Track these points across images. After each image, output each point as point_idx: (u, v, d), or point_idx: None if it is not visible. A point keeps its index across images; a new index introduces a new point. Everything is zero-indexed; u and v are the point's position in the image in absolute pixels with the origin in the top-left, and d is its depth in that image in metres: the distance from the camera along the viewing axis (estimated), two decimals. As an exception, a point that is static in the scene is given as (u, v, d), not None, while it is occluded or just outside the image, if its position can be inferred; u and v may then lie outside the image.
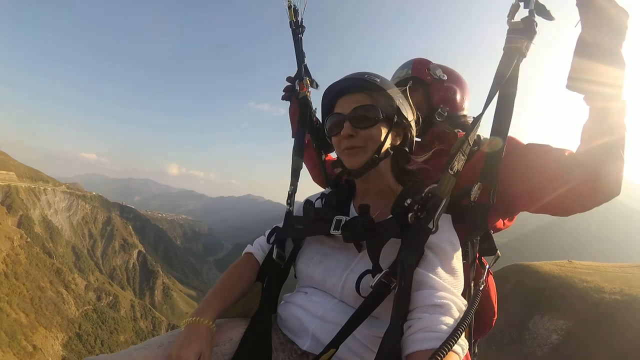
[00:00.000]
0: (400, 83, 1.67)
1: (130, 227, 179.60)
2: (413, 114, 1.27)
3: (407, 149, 1.26)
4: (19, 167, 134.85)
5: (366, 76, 1.20)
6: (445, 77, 1.69)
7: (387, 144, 1.21)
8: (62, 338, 71.49)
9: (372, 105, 1.18)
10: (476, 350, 1.54)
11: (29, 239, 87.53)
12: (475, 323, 1.35)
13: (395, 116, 1.21)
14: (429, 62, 1.72)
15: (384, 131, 1.19)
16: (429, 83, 1.67)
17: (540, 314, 12.17)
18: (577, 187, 1.09)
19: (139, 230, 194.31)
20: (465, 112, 1.71)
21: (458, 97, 1.69)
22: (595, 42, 1.05)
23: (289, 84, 1.90)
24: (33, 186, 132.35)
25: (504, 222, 1.45)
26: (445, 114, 1.63)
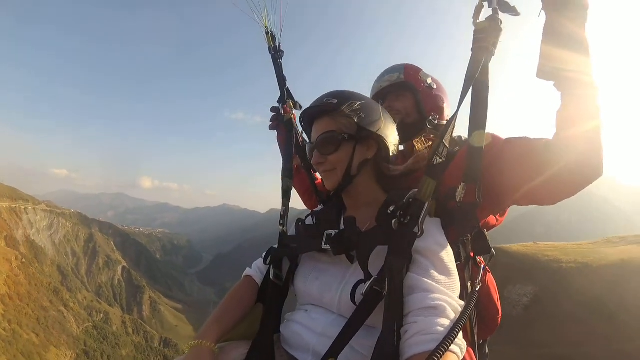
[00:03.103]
0: (393, 86, 1.70)
1: (112, 243, 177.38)
2: (380, 118, 1.26)
3: (384, 157, 1.28)
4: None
5: (325, 100, 1.25)
6: (435, 86, 1.70)
7: (358, 160, 1.24)
8: (71, 356, 72.68)
9: (331, 131, 1.24)
10: (487, 351, 1.60)
11: (24, 260, 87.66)
12: (480, 323, 1.37)
13: (359, 132, 1.23)
14: (420, 68, 1.73)
15: (348, 150, 1.23)
16: (420, 90, 1.67)
17: (512, 284, 14.77)
18: (561, 173, 1.09)
19: (120, 246, 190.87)
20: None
21: (445, 106, 1.71)
22: (559, 28, 1.06)
23: (273, 113, 1.92)
24: (14, 206, 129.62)
25: (496, 219, 1.48)
26: (436, 122, 1.64)
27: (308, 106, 1.32)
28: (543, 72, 1.10)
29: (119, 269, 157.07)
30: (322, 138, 1.25)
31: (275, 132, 2.00)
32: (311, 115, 1.33)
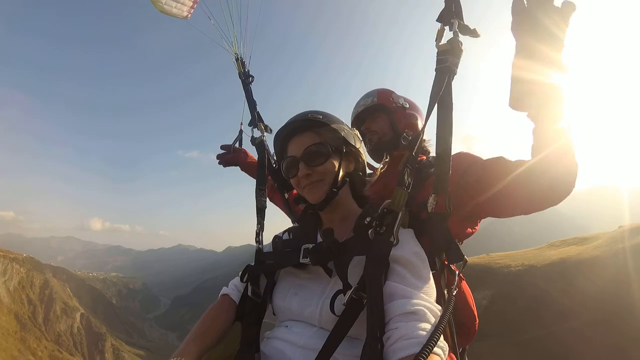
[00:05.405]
0: (368, 110, 1.84)
1: (68, 289, 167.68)
2: (359, 141, 1.37)
3: (361, 174, 1.37)
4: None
5: (310, 115, 1.28)
6: (407, 105, 1.83)
7: (342, 173, 1.29)
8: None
9: (320, 143, 1.26)
10: (466, 359, 1.62)
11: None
12: (458, 330, 1.36)
13: (344, 146, 1.30)
14: (392, 91, 1.87)
15: (336, 163, 1.27)
16: (393, 110, 1.80)
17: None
18: (532, 189, 1.18)
19: (75, 292, 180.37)
20: (425, 137, 1.76)
21: (419, 123, 1.83)
22: (533, 56, 1.06)
23: (223, 151, 2.06)
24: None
25: (472, 229, 1.57)
26: (410, 137, 1.70)
27: (290, 120, 1.32)
28: (516, 104, 1.14)
29: (78, 316, 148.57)
30: (310, 149, 1.26)
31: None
32: (293, 130, 1.32)
